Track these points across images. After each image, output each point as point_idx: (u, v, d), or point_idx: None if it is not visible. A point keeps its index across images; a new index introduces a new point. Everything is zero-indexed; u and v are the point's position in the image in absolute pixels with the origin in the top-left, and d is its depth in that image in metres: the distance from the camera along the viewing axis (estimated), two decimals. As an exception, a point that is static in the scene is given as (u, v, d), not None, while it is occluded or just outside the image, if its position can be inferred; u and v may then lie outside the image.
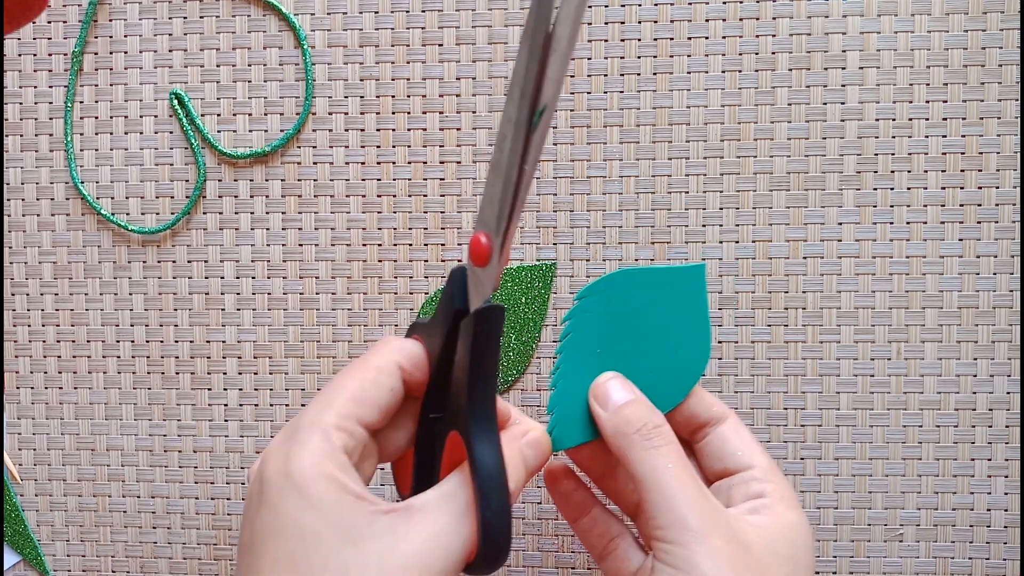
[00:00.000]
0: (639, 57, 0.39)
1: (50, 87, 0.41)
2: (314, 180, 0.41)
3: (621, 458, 0.29)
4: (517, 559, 0.41)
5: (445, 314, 0.28)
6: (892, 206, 0.39)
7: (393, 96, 0.40)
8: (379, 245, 0.40)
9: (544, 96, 0.24)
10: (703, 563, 0.26)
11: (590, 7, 0.39)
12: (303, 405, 0.41)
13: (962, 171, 0.39)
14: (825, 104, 0.39)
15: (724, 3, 0.39)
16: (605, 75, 0.39)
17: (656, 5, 0.39)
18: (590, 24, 0.39)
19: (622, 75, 0.39)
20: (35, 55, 0.41)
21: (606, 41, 0.39)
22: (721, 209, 0.39)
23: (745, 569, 0.27)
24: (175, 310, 0.41)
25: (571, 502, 0.33)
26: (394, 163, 0.40)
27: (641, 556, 0.31)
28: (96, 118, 0.41)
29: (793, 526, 0.29)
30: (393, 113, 0.40)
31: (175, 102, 0.41)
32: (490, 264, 0.26)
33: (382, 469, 0.40)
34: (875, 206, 0.39)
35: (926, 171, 0.39)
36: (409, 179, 0.40)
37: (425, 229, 0.40)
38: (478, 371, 0.26)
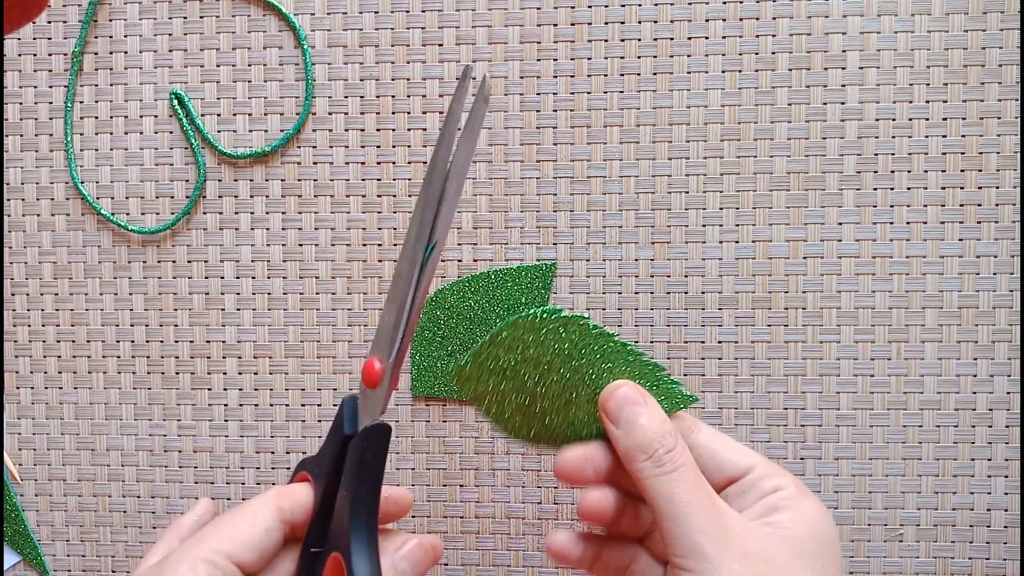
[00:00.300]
0: (639, 57, 0.39)
1: (50, 87, 0.41)
2: (314, 180, 0.41)
3: (634, 479, 0.29)
4: (517, 559, 0.41)
5: (334, 442, 0.28)
6: (892, 206, 0.39)
7: (393, 96, 0.40)
8: (379, 245, 0.40)
9: (435, 236, 0.27)
10: None
11: (590, 7, 0.39)
12: (303, 405, 0.41)
13: (962, 171, 0.39)
14: (825, 104, 0.39)
15: (724, 3, 0.39)
16: (605, 75, 0.39)
17: (656, 5, 0.39)
18: (590, 24, 0.39)
19: (622, 75, 0.39)
20: (35, 55, 0.41)
21: (606, 41, 0.39)
22: (721, 209, 0.39)
23: None
24: (175, 310, 0.41)
25: (600, 565, 0.32)
26: (394, 163, 0.40)
27: (658, 566, 0.31)
28: (96, 118, 0.41)
29: (817, 515, 0.28)
30: (393, 113, 0.40)
31: (175, 102, 0.41)
32: (380, 386, 0.28)
33: None
34: (875, 206, 0.39)
35: (926, 171, 0.39)
36: (409, 179, 0.40)
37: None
38: (362, 487, 0.27)
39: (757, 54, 0.39)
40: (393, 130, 0.40)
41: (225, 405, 0.41)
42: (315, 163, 0.41)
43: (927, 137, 0.39)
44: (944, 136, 0.39)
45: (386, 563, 0.28)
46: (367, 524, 0.27)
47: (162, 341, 0.41)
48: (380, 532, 0.28)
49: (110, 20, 0.41)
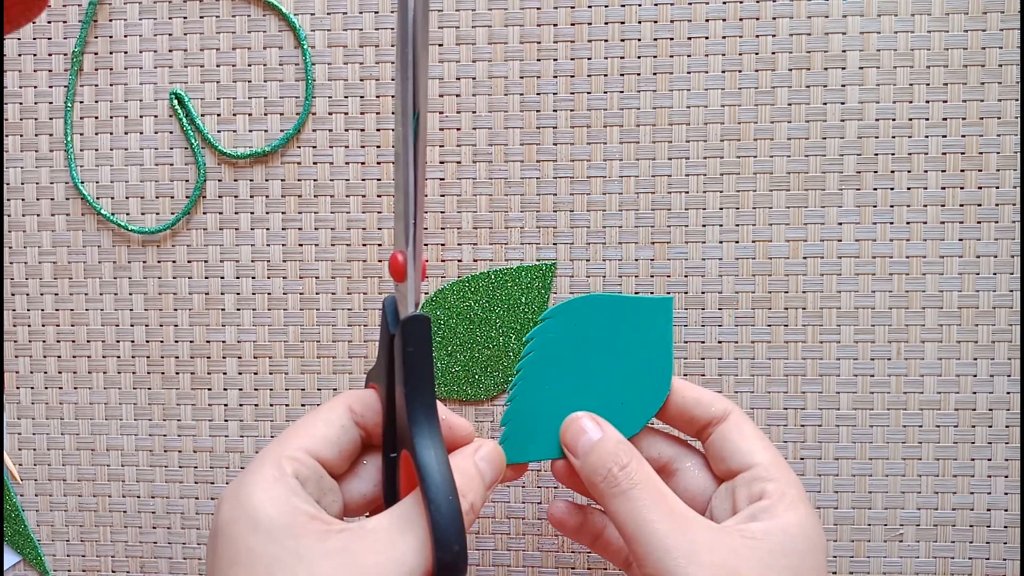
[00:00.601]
0: (639, 57, 0.39)
1: (50, 87, 0.41)
2: (314, 180, 0.41)
3: (601, 504, 0.29)
4: (517, 559, 0.41)
5: (384, 344, 0.28)
6: (892, 206, 0.39)
7: (393, 96, 0.40)
8: (379, 245, 0.40)
9: (417, 105, 0.26)
10: None
11: (590, 7, 0.39)
12: (303, 405, 0.41)
13: (962, 171, 0.39)
14: (825, 104, 0.39)
15: (724, 3, 0.39)
16: (605, 75, 0.39)
17: (656, 5, 0.39)
18: (590, 24, 0.39)
19: (622, 75, 0.39)
20: (35, 55, 0.41)
21: (606, 41, 0.39)
22: (721, 209, 0.39)
23: None
24: (175, 310, 0.41)
25: (584, 531, 0.33)
26: (394, 163, 0.40)
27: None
28: (96, 118, 0.41)
29: (793, 529, 0.28)
30: (393, 113, 0.40)
31: (175, 102, 0.41)
32: (408, 278, 0.27)
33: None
34: (875, 206, 0.39)
35: (926, 171, 0.39)
36: (409, 179, 0.40)
37: (425, 229, 0.40)
38: (412, 380, 0.27)
39: (757, 54, 0.39)
40: (393, 130, 0.40)
41: (225, 405, 0.41)
42: (315, 163, 0.41)
43: (927, 137, 0.39)
44: (944, 136, 0.39)
45: (467, 463, 0.29)
46: (425, 416, 0.27)
47: (162, 341, 0.41)
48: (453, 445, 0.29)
49: (110, 20, 0.41)
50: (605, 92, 0.39)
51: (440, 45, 0.40)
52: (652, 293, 0.40)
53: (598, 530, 0.33)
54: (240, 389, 0.41)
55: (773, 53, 0.39)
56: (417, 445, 0.26)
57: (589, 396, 0.31)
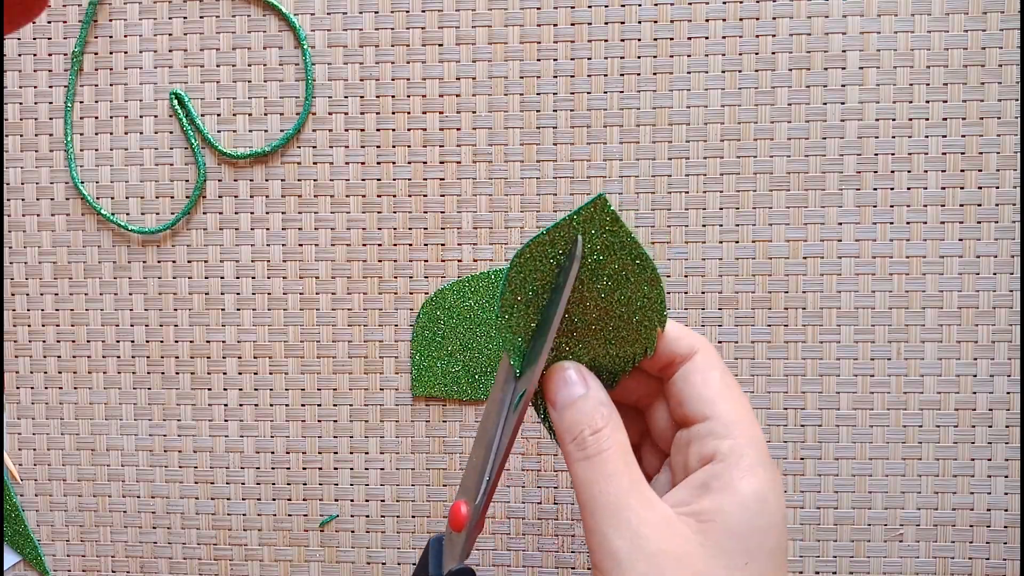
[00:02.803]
0: (639, 57, 0.39)
1: (50, 87, 0.41)
2: (314, 180, 0.41)
3: (566, 465, 0.28)
4: (517, 559, 0.41)
5: None
6: (892, 206, 0.39)
7: (393, 96, 0.40)
8: (379, 245, 0.40)
9: (523, 384, 0.27)
10: None
11: (590, 7, 0.39)
12: (303, 405, 0.41)
13: (962, 171, 0.39)
14: (825, 104, 0.39)
15: (724, 3, 0.39)
16: (605, 75, 0.39)
17: (656, 5, 0.39)
18: (590, 24, 0.39)
19: (622, 75, 0.39)
20: (35, 55, 0.41)
21: (606, 41, 0.39)
22: (721, 209, 0.39)
23: None
24: (175, 310, 0.41)
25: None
26: (394, 163, 0.40)
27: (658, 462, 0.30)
28: (96, 118, 0.41)
29: (750, 503, 0.25)
30: (393, 113, 0.40)
31: (175, 102, 0.41)
32: (465, 529, 0.27)
33: None
34: (875, 206, 0.39)
35: (926, 171, 0.39)
36: (409, 179, 0.40)
37: (425, 229, 0.40)
38: None
39: (757, 54, 0.39)
40: (393, 130, 0.40)
41: (225, 405, 0.41)
42: (315, 163, 0.41)
43: (927, 137, 0.39)
44: (944, 136, 0.39)
45: None
46: None
47: (162, 341, 0.41)
48: None
49: (110, 20, 0.41)
50: (605, 92, 0.39)
51: (440, 45, 0.40)
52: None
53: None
54: (240, 389, 0.41)
55: (773, 53, 0.39)
56: None
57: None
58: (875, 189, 0.39)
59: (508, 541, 0.41)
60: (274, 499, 0.41)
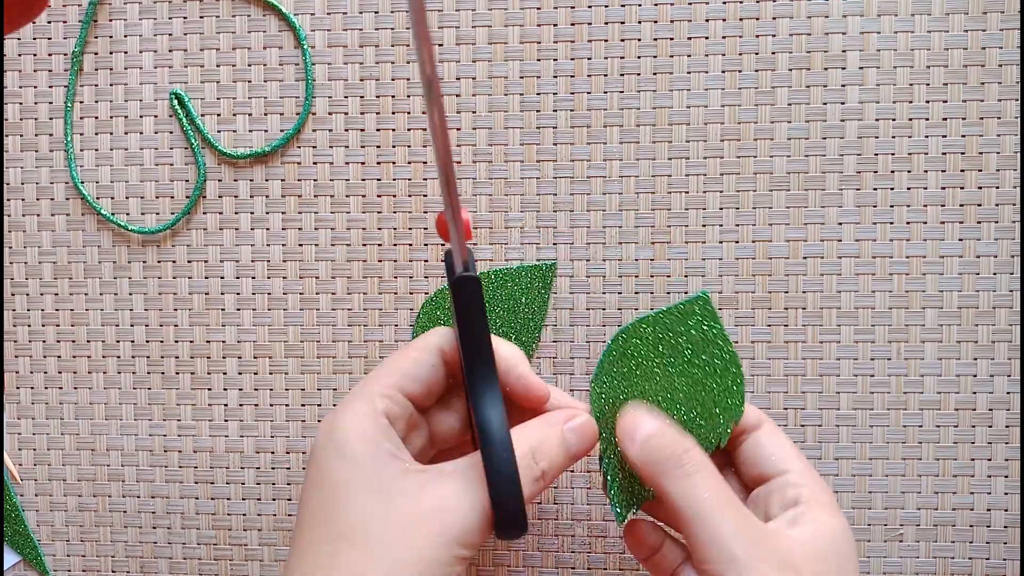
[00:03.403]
0: (639, 57, 0.39)
1: (50, 87, 0.41)
2: (314, 180, 0.41)
3: (658, 492, 0.29)
4: (517, 559, 0.41)
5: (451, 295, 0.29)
6: (892, 206, 0.39)
7: (393, 96, 0.40)
8: (379, 245, 0.41)
9: (425, 73, 0.25)
10: None
11: (590, 7, 0.39)
12: (303, 405, 0.41)
13: (962, 171, 0.39)
14: (825, 104, 0.39)
15: (724, 3, 0.39)
16: (605, 75, 0.39)
17: (656, 5, 0.39)
18: (590, 24, 0.39)
19: (622, 75, 0.39)
20: (35, 55, 0.41)
21: (606, 41, 0.39)
22: (721, 209, 0.39)
23: None
24: (175, 310, 0.41)
25: (646, 544, 0.33)
26: (394, 163, 0.40)
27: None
28: (96, 118, 0.41)
29: (835, 533, 0.28)
30: (393, 113, 0.40)
31: (175, 102, 0.41)
32: (453, 239, 0.27)
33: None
34: (875, 206, 0.39)
35: (926, 171, 0.39)
36: (409, 179, 0.40)
37: (425, 229, 0.40)
38: (467, 340, 0.27)
39: (757, 54, 0.39)
40: (393, 130, 0.40)
41: (225, 405, 0.41)
42: (315, 163, 0.41)
43: (927, 137, 0.39)
44: (944, 136, 0.39)
45: (552, 431, 0.29)
46: (483, 376, 0.27)
47: (162, 341, 0.41)
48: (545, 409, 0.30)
49: (110, 20, 0.41)
50: (605, 92, 0.39)
51: (440, 45, 0.40)
52: (652, 294, 0.40)
53: (668, 561, 0.33)
54: (240, 389, 0.41)
55: (773, 53, 0.39)
56: (476, 405, 0.27)
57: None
58: (875, 189, 0.39)
59: (508, 541, 0.41)
60: (274, 499, 0.41)
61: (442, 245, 0.40)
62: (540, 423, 0.29)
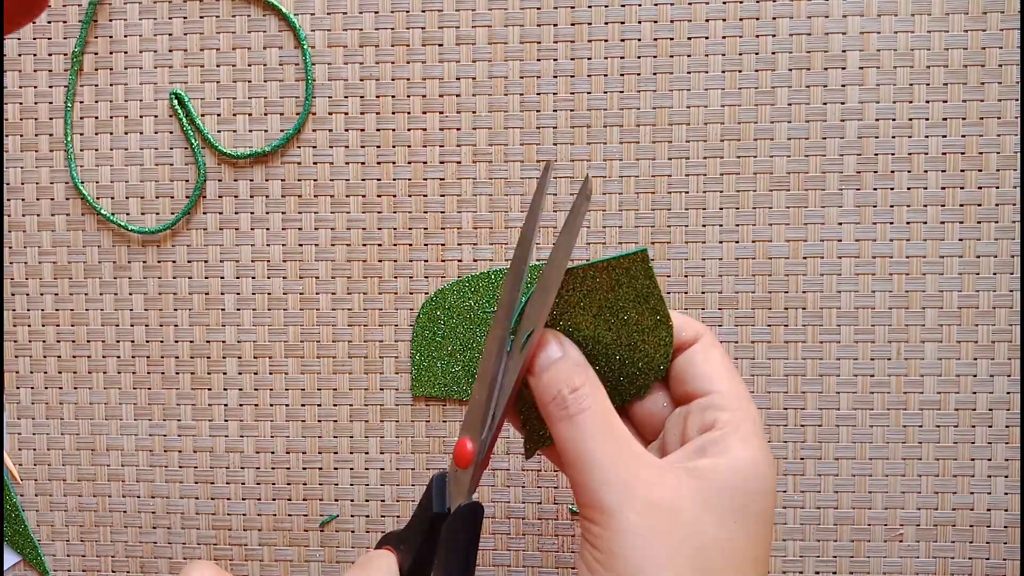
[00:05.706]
0: (639, 57, 0.39)
1: (50, 87, 0.41)
2: (314, 180, 0.41)
3: (548, 427, 0.28)
4: (517, 559, 0.41)
5: (422, 519, 0.28)
6: (892, 206, 0.39)
7: (393, 96, 0.40)
8: (379, 245, 0.40)
9: (522, 328, 0.27)
10: (619, 544, 0.24)
11: (590, 7, 0.39)
12: (303, 405, 0.41)
13: (962, 171, 0.39)
14: (825, 104, 0.39)
15: (724, 3, 0.39)
16: (605, 75, 0.39)
17: (656, 5, 0.39)
18: (590, 24, 0.39)
19: (622, 75, 0.39)
20: (35, 55, 0.41)
21: (606, 41, 0.39)
22: (721, 209, 0.39)
23: (667, 538, 0.25)
24: (175, 310, 0.41)
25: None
26: (394, 163, 0.40)
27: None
28: (96, 118, 0.41)
29: (743, 466, 0.26)
30: (393, 113, 0.40)
31: (175, 102, 0.41)
32: (471, 466, 0.27)
33: None
34: (875, 206, 0.39)
35: (926, 171, 0.39)
36: (409, 179, 0.40)
37: (425, 229, 0.40)
38: (456, 568, 0.27)
39: (757, 54, 0.39)
40: (393, 130, 0.40)
41: (225, 405, 0.41)
42: (315, 163, 0.41)
43: (927, 137, 0.39)
44: (944, 136, 0.39)
45: None
46: None
47: (162, 341, 0.41)
48: None
49: (110, 20, 0.41)
50: (605, 92, 0.39)
51: (440, 45, 0.40)
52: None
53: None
54: (240, 389, 0.41)
55: (773, 53, 0.39)
56: None
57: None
58: (875, 189, 0.39)
59: (508, 541, 0.41)
60: (274, 499, 0.41)
61: (441, 261, 0.40)
62: None
